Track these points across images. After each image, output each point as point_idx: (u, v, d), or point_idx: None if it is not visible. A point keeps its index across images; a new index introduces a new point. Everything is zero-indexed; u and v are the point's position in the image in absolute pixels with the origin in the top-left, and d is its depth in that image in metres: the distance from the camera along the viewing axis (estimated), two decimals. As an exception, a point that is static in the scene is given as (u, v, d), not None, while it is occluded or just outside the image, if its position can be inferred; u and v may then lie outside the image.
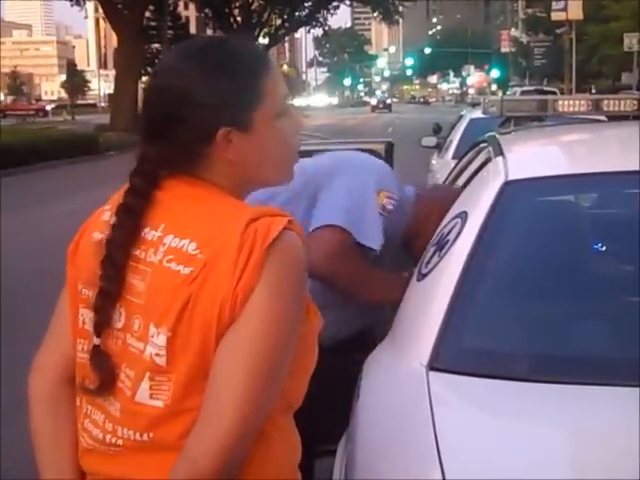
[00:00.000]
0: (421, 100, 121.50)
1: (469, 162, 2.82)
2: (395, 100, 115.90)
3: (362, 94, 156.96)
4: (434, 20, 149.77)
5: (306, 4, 52.71)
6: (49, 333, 1.51)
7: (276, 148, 1.42)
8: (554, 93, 20.58)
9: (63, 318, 1.48)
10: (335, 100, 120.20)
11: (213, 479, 1.25)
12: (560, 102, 3.08)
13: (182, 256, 1.31)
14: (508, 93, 38.89)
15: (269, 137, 1.40)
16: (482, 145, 2.77)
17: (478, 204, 2.13)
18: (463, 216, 2.11)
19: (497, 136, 2.69)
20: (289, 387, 1.37)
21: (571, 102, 3.08)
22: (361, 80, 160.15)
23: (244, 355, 1.27)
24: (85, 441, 1.41)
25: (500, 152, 2.38)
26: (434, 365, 1.78)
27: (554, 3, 45.48)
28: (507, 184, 2.14)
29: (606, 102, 3.03)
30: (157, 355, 1.32)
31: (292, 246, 1.32)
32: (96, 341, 1.37)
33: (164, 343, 1.31)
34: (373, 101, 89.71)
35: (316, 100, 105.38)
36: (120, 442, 1.36)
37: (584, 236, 2.29)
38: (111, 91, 31.93)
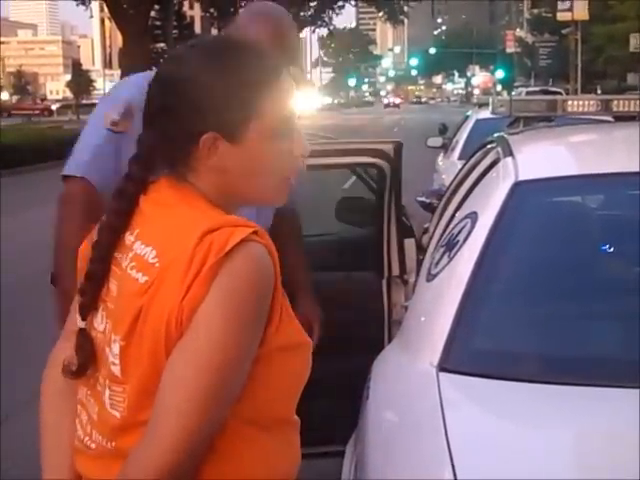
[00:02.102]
0: (421, 100, 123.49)
1: (477, 162, 2.81)
2: (400, 101, 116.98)
3: (367, 94, 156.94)
4: (439, 20, 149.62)
5: (311, 4, 52.69)
6: (64, 329, 1.49)
7: (266, 168, 1.32)
8: (560, 94, 20.55)
9: (74, 316, 1.44)
10: (341, 100, 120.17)
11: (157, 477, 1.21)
12: (569, 102, 3.07)
13: (142, 264, 1.27)
14: (513, 93, 38.84)
15: (260, 155, 1.31)
16: (490, 145, 2.76)
17: (488, 204, 2.12)
18: (473, 217, 2.10)
19: (506, 136, 2.68)
20: (265, 403, 1.31)
21: (580, 102, 3.07)
22: (366, 80, 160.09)
23: (188, 372, 1.21)
24: (77, 442, 1.40)
25: (510, 152, 2.37)
26: (444, 366, 1.78)
27: (560, 3, 45.38)
28: (517, 184, 2.13)
29: (615, 102, 3.03)
30: (113, 364, 1.29)
31: (251, 258, 1.23)
32: (81, 324, 1.35)
33: (118, 352, 1.28)
34: (385, 101, 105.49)
35: (321, 100, 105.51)
36: (93, 446, 1.35)
37: (594, 237, 2.28)
38: (116, 91, 32.05)
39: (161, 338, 1.23)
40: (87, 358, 1.34)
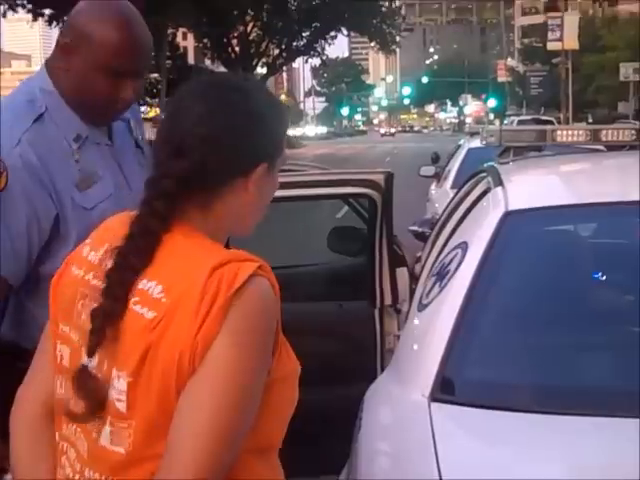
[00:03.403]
0: (414, 129, 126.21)
1: (468, 192, 2.83)
2: (394, 130, 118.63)
3: (360, 123, 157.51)
4: (431, 50, 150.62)
5: (304, 34, 52.98)
6: (31, 367, 1.46)
7: (269, 195, 1.41)
8: (551, 122, 20.65)
9: (45, 352, 1.43)
10: (332, 129, 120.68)
11: None
12: (559, 132, 3.09)
13: (147, 299, 1.26)
14: (505, 122, 39.01)
15: (273, 183, 1.40)
16: (481, 175, 2.78)
17: (478, 234, 2.13)
18: (464, 246, 2.11)
19: (496, 166, 2.70)
20: (266, 431, 1.32)
21: (570, 132, 3.09)
22: (359, 109, 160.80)
23: (204, 408, 1.22)
24: (60, 477, 1.37)
25: (500, 182, 2.38)
26: (436, 396, 1.78)
27: (550, 33, 45.76)
28: (507, 214, 2.14)
29: (604, 132, 3.05)
30: (118, 400, 1.27)
31: (259, 294, 1.26)
32: (85, 361, 1.31)
33: (125, 388, 1.26)
34: (382, 130, 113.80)
35: (313, 129, 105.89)
36: None
37: (585, 266, 2.29)
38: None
39: (172, 374, 1.23)
40: (97, 398, 1.29)
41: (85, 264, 1.37)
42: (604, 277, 2.26)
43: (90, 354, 1.30)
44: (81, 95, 1.96)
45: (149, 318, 1.25)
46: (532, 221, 2.21)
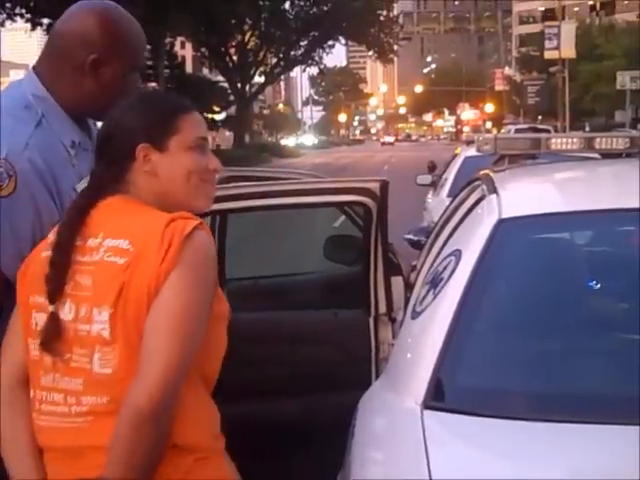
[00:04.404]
0: (412, 138, 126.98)
1: (463, 200, 2.83)
2: (394, 139, 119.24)
3: (357, 132, 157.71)
4: (429, 59, 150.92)
5: (301, 43, 53.15)
6: (4, 345, 1.77)
7: (184, 170, 1.75)
8: (548, 131, 20.69)
9: (14, 333, 1.76)
10: (330, 138, 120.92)
11: (150, 417, 1.55)
12: (553, 140, 3.10)
13: (118, 251, 1.64)
14: (503, 131, 39.07)
15: (180, 160, 1.75)
16: (476, 183, 2.78)
17: (472, 242, 2.13)
18: (457, 254, 2.11)
19: (491, 174, 2.70)
20: (205, 360, 1.67)
21: (564, 140, 3.10)
22: (356, 118, 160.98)
23: (164, 320, 1.59)
24: (49, 422, 1.67)
25: (494, 190, 2.38)
26: (429, 404, 1.78)
27: (547, 42, 45.87)
28: (501, 222, 2.14)
29: (598, 140, 3.05)
30: (103, 329, 1.62)
31: (202, 240, 1.66)
32: (51, 308, 1.66)
33: (107, 318, 1.61)
34: (382, 140, 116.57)
35: (311, 138, 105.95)
36: (84, 409, 1.64)
37: (578, 273, 2.29)
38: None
39: (143, 300, 1.60)
40: (54, 335, 1.65)
41: (49, 246, 1.71)
42: (597, 284, 2.26)
43: (52, 300, 1.66)
44: (113, 99, 2.00)
45: (121, 263, 1.63)
46: (525, 228, 2.21)
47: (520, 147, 3.13)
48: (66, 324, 1.66)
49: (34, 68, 2.14)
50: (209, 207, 1.80)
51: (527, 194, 2.63)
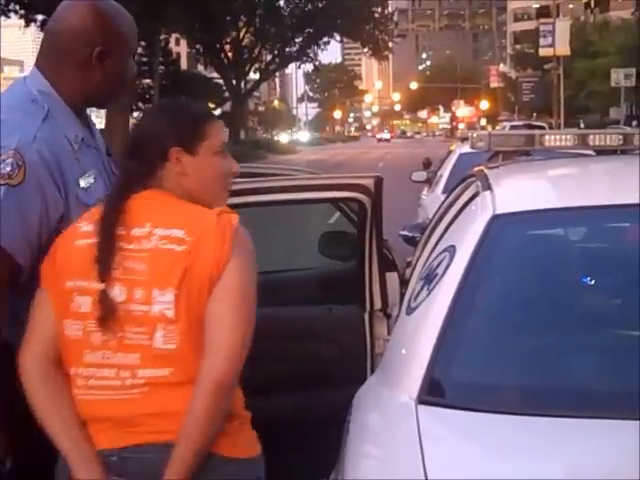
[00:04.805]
0: (407, 135, 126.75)
1: (458, 196, 2.84)
2: (390, 136, 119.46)
3: (352, 129, 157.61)
4: (424, 56, 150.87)
5: (296, 40, 53.03)
6: (31, 327, 1.89)
7: (211, 173, 1.95)
8: (543, 128, 20.70)
9: (44, 310, 1.88)
10: (324, 135, 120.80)
11: (227, 381, 1.77)
12: (547, 137, 3.10)
13: (173, 239, 1.81)
14: (497, 128, 39.03)
15: (209, 163, 1.95)
16: (470, 179, 2.79)
17: (466, 238, 2.14)
18: (451, 250, 2.12)
19: (485, 170, 2.71)
20: None
21: (558, 137, 3.10)
22: (351, 115, 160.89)
23: (229, 301, 1.80)
24: (95, 396, 1.83)
25: (488, 186, 2.39)
26: (423, 399, 1.79)
27: (542, 39, 45.87)
28: (495, 218, 2.15)
29: (592, 137, 3.06)
30: (167, 309, 1.79)
31: (244, 232, 1.88)
32: (101, 286, 1.81)
33: (171, 299, 1.79)
34: (378, 136, 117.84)
35: (306, 135, 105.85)
36: (141, 381, 1.80)
37: (572, 269, 2.30)
38: (102, 127, 32.21)
39: (205, 284, 1.79)
40: (110, 314, 1.80)
41: (93, 235, 1.86)
42: (591, 280, 2.27)
43: (102, 279, 1.81)
44: (118, 87, 2.26)
45: (180, 250, 1.80)
46: (519, 224, 2.22)
47: (514, 144, 3.14)
48: (117, 305, 1.81)
49: (38, 66, 2.20)
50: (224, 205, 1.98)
51: (521, 190, 2.64)
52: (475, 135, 3.18)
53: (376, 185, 3.02)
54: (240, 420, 1.88)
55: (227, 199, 2.02)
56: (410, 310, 2.13)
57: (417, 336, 2.00)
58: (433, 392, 1.80)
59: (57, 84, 2.15)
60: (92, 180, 2.15)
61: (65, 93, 2.16)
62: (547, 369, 1.90)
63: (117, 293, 1.81)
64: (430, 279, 2.10)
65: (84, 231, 1.89)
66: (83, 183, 2.12)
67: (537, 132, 3.26)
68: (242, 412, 1.90)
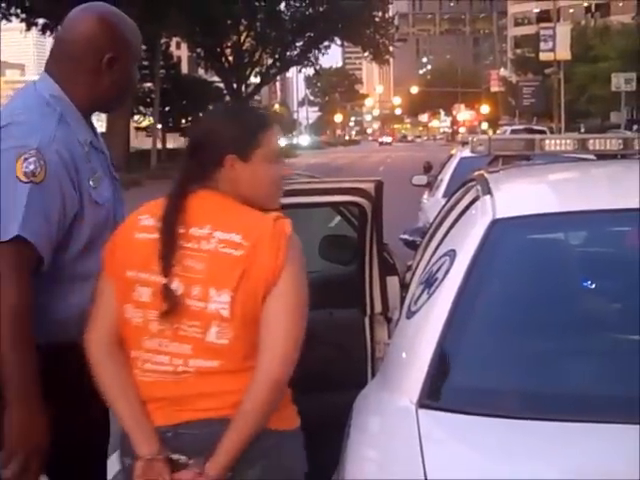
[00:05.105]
0: (407, 139, 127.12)
1: (458, 200, 2.84)
2: (391, 139, 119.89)
3: (353, 132, 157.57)
4: (424, 60, 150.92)
5: (297, 44, 53.05)
6: (96, 308, 2.04)
7: (264, 179, 2.04)
8: (543, 132, 20.70)
9: (105, 298, 2.03)
10: (324, 138, 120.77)
11: (284, 378, 1.93)
12: (547, 141, 3.11)
13: (232, 244, 1.93)
14: (498, 132, 39.05)
15: (262, 170, 2.03)
16: (470, 184, 2.79)
17: (466, 242, 2.15)
18: (451, 254, 2.13)
19: (485, 174, 2.71)
20: None
21: (558, 141, 3.11)
22: (352, 119, 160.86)
23: (286, 307, 1.93)
24: (152, 378, 1.97)
25: (488, 190, 2.40)
26: (424, 403, 1.79)
27: (542, 44, 45.86)
28: (495, 222, 2.16)
29: (592, 141, 3.07)
30: (222, 309, 1.91)
31: (296, 237, 1.99)
32: (164, 280, 1.94)
33: (228, 300, 1.91)
34: (380, 139, 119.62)
35: (307, 139, 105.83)
36: (191, 369, 1.94)
37: (572, 273, 2.30)
38: (103, 130, 32.27)
39: (260, 287, 1.92)
40: (174, 304, 1.93)
41: (153, 229, 1.98)
42: (591, 284, 2.27)
43: (165, 274, 1.94)
44: (124, 91, 2.38)
45: (237, 255, 1.92)
46: (519, 229, 2.22)
47: (514, 148, 3.14)
48: (179, 299, 1.95)
49: (49, 72, 2.30)
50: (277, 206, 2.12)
51: (521, 195, 2.64)
52: (475, 139, 3.19)
53: (376, 189, 3.02)
54: (285, 397, 2.04)
55: (280, 200, 2.14)
56: (410, 314, 2.13)
57: (417, 340, 2.00)
58: (433, 396, 1.81)
59: (68, 89, 2.25)
60: (100, 180, 2.25)
61: (75, 98, 2.26)
62: (547, 373, 1.91)
63: (174, 287, 1.95)
64: (430, 283, 2.11)
65: (145, 225, 2.03)
66: (93, 183, 2.22)
67: (537, 137, 3.26)
68: (287, 390, 2.04)
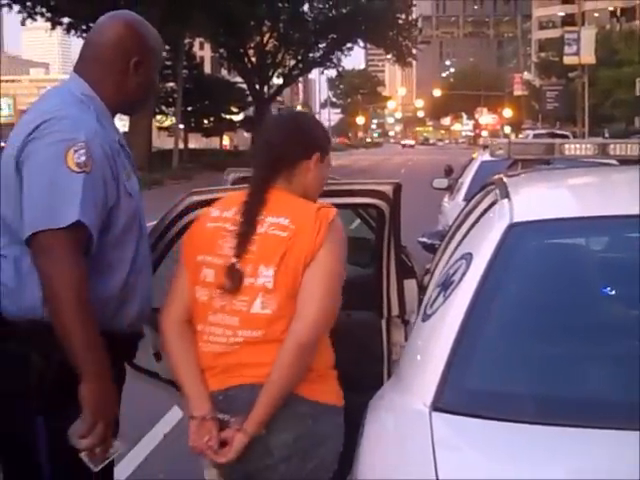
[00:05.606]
0: (429, 142, 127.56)
1: (476, 204, 2.84)
2: (414, 142, 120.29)
3: (375, 135, 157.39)
4: (447, 63, 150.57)
5: (320, 45, 53.09)
6: (171, 291, 2.38)
7: (324, 180, 2.49)
8: (566, 137, 20.57)
9: (181, 279, 2.35)
10: (343, 140, 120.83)
11: (309, 342, 2.19)
12: (567, 146, 3.09)
13: (280, 227, 2.25)
14: (520, 136, 38.82)
15: (324, 172, 2.45)
16: (489, 187, 2.79)
17: (483, 246, 2.14)
18: (468, 257, 2.12)
19: (504, 178, 2.71)
20: None
21: (577, 146, 3.09)
22: (374, 121, 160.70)
23: (319, 279, 2.21)
24: (211, 348, 2.27)
25: (506, 194, 2.39)
26: (437, 406, 1.79)
27: (566, 47, 45.64)
28: (512, 226, 2.15)
29: (612, 146, 3.05)
30: (267, 282, 2.21)
31: (340, 225, 2.29)
32: (234, 260, 2.25)
33: (272, 274, 2.21)
34: (403, 142, 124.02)
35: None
36: (240, 340, 2.23)
37: (588, 278, 2.29)
38: (126, 129, 32.44)
39: (300, 263, 2.21)
40: (239, 280, 2.23)
41: (220, 219, 2.33)
42: (607, 289, 2.26)
43: (238, 256, 2.24)
44: (147, 94, 2.53)
45: (283, 236, 2.23)
46: (536, 233, 2.22)
47: (534, 152, 3.13)
48: (243, 278, 2.24)
49: (78, 72, 2.44)
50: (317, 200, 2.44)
51: (539, 199, 2.63)
52: (494, 143, 3.18)
53: (395, 192, 3.01)
54: (319, 372, 2.28)
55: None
56: (426, 317, 2.13)
57: (432, 343, 2.00)
58: (447, 399, 1.80)
59: (97, 89, 2.39)
60: (131, 174, 2.41)
61: (105, 97, 2.40)
62: (562, 378, 1.90)
63: (238, 268, 2.25)
64: (446, 286, 2.11)
65: (214, 216, 2.36)
66: (126, 176, 2.36)
67: (557, 141, 3.24)
68: (324, 368, 2.30)
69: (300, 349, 2.18)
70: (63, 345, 2.15)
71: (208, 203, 2.90)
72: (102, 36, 2.45)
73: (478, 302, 1.95)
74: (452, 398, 1.82)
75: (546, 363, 1.95)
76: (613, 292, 2.25)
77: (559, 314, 2.06)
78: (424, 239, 5.90)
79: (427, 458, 1.61)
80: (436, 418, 1.76)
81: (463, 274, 2.05)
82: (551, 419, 1.75)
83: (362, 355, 3.21)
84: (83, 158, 2.20)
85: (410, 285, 3.29)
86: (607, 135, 39.25)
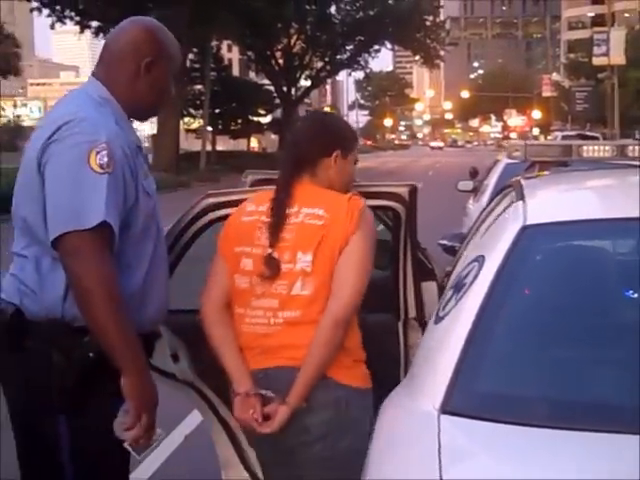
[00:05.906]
0: (458, 144, 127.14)
1: (495, 206, 2.83)
2: (443, 144, 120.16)
3: (403, 137, 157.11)
4: (475, 64, 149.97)
5: (347, 47, 53.09)
6: (211, 280, 2.58)
7: (347, 176, 2.66)
8: (597, 138, 20.37)
9: (220, 268, 2.55)
10: (370, 142, 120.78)
11: (344, 319, 2.40)
12: (585, 147, 3.07)
13: (315, 216, 2.47)
14: (549, 138, 38.61)
15: (348, 168, 2.65)
16: (508, 190, 2.78)
17: (495, 248, 2.14)
18: (480, 260, 2.12)
19: (522, 180, 2.69)
20: None
21: (595, 148, 3.07)
22: (402, 123, 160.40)
23: (353, 263, 2.42)
24: (252, 330, 2.48)
25: (521, 196, 2.38)
26: (446, 408, 1.79)
27: (596, 48, 45.26)
28: (525, 228, 2.14)
29: (631, 148, 3.02)
30: (306, 266, 2.43)
31: (370, 214, 2.52)
32: (270, 250, 2.46)
33: (310, 259, 2.42)
34: (432, 144, 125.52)
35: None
36: (280, 320, 2.44)
37: (600, 281, 2.27)
38: (154, 131, 32.61)
39: (335, 250, 2.42)
40: (277, 267, 2.44)
41: (255, 213, 2.55)
42: (619, 291, 2.24)
43: (272, 246, 2.46)
44: (159, 98, 2.54)
45: (319, 224, 2.45)
46: (549, 235, 2.21)
47: (551, 154, 3.11)
48: (281, 265, 2.45)
49: (93, 74, 2.48)
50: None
51: (554, 201, 2.61)
52: (511, 145, 3.16)
53: (411, 194, 3.00)
54: (354, 357, 2.50)
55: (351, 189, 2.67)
56: (438, 319, 2.13)
57: (443, 345, 1.99)
58: (456, 402, 1.80)
59: (113, 91, 2.42)
60: (148, 174, 2.44)
61: (120, 100, 2.43)
62: (573, 382, 1.88)
63: (275, 256, 2.45)
64: (459, 288, 2.10)
65: (249, 210, 2.58)
66: (144, 176, 2.40)
67: (575, 142, 3.22)
68: (356, 351, 2.51)
69: (337, 326, 2.38)
70: (99, 343, 2.19)
71: (224, 205, 2.94)
72: (119, 39, 2.49)
73: (489, 305, 1.94)
74: (461, 401, 1.81)
75: (556, 366, 1.94)
76: (627, 295, 2.23)
77: (570, 317, 2.04)
78: (444, 241, 5.88)
79: (432, 461, 1.60)
80: (444, 421, 1.75)
81: (475, 276, 2.05)
82: (561, 423, 1.74)
83: (379, 357, 3.20)
84: (105, 159, 2.22)
85: (430, 287, 3.28)
86: (638, 137, 38.86)
